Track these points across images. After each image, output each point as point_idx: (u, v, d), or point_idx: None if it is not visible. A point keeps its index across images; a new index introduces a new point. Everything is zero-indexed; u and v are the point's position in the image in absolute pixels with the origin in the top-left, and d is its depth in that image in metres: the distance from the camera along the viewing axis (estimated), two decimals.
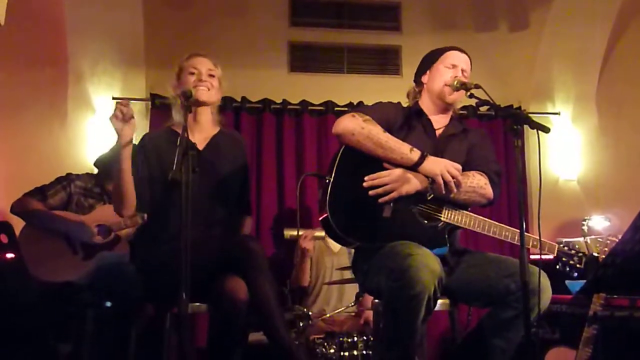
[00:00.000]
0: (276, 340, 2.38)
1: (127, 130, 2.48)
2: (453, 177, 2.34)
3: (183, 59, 2.83)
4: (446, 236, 2.43)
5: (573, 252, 2.48)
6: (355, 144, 2.42)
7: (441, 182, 2.33)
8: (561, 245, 2.48)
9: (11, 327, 2.32)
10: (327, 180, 2.41)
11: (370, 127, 2.41)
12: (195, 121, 2.79)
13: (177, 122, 2.78)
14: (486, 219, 2.45)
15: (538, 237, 2.33)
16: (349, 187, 2.41)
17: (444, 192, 2.35)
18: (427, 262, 2.11)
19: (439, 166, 2.35)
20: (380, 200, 2.36)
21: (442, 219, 2.43)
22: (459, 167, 2.39)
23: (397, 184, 2.36)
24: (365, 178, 2.39)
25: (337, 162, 2.44)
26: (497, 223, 2.45)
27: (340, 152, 2.46)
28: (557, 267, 2.48)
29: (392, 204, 2.38)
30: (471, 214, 2.45)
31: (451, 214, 2.43)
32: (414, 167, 2.38)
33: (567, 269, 2.48)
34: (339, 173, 2.42)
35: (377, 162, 2.43)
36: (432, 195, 2.40)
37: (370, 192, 2.37)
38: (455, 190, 2.36)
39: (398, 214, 2.39)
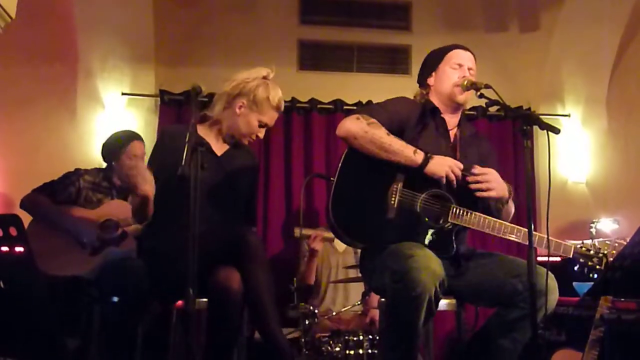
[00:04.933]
0: (265, 333, 2.39)
1: (150, 187, 2.52)
2: (456, 176, 2.36)
3: (266, 94, 2.77)
4: (453, 238, 2.39)
5: (592, 252, 2.39)
6: (358, 147, 2.43)
7: (445, 181, 2.36)
8: (578, 246, 2.41)
9: (19, 320, 2.33)
10: (332, 181, 2.43)
11: (373, 130, 2.41)
12: (218, 131, 2.81)
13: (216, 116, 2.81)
14: (496, 219, 2.42)
15: (553, 239, 2.32)
16: (353, 189, 2.42)
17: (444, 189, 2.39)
18: (428, 264, 2.11)
19: (443, 167, 2.36)
20: (478, 194, 2.38)
21: (449, 219, 2.40)
22: (461, 165, 2.39)
23: (495, 184, 2.39)
24: (474, 171, 2.41)
25: (341, 163, 2.45)
26: (507, 223, 2.41)
27: (345, 153, 2.47)
28: (576, 268, 2.42)
29: (395, 205, 2.37)
30: (480, 214, 2.41)
31: (459, 214, 2.40)
32: (419, 169, 2.38)
33: (586, 270, 2.39)
34: (343, 174, 2.43)
35: (381, 164, 2.42)
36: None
37: (472, 186, 2.39)
38: (455, 185, 2.37)
39: (402, 215, 2.39)
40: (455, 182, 2.37)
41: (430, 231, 2.39)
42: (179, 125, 3.06)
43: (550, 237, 2.32)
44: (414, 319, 2.14)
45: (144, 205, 2.56)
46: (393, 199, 2.38)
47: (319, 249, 3.89)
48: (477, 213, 2.41)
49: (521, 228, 2.40)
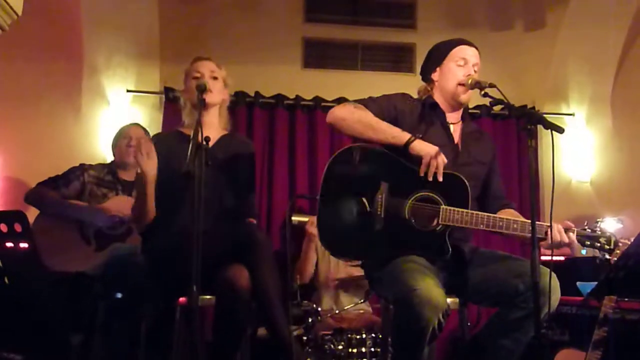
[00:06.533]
0: (273, 329, 2.40)
1: (151, 165, 2.54)
2: (437, 165, 2.31)
3: (189, 64, 2.90)
4: (447, 239, 2.33)
5: (598, 233, 2.33)
6: (347, 129, 2.44)
7: (427, 161, 2.30)
8: (580, 229, 2.34)
9: (24, 316, 2.34)
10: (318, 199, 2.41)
11: (360, 112, 2.43)
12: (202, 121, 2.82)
13: (187, 124, 2.85)
14: (489, 214, 2.34)
15: (550, 224, 2.25)
16: (337, 205, 2.37)
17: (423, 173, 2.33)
18: (430, 297, 2.07)
19: (429, 148, 2.32)
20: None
21: (439, 221, 2.33)
22: (446, 160, 2.34)
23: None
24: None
25: (322, 181, 2.40)
26: (501, 217, 2.34)
27: (325, 170, 2.42)
28: (584, 252, 2.38)
29: (382, 215, 2.33)
30: (472, 211, 2.33)
31: (450, 214, 2.32)
32: (405, 147, 2.35)
33: (594, 250, 2.33)
34: (326, 192, 2.39)
35: (362, 177, 2.37)
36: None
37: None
38: (430, 178, 2.31)
39: (391, 224, 2.33)
40: (432, 169, 2.30)
41: (422, 237, 2.33)
42: (167, 131, 3.10)
43: (546, 224, 2.27)
44: (418, 347, 2.16)
45: (142, 189, 2.56)
46: (379, 209, 2.34)
47: (316, 233, 3.90)
48: (468, 211, 2.33)
49: (517, 220, 2.33)
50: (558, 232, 2.27)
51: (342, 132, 2.47)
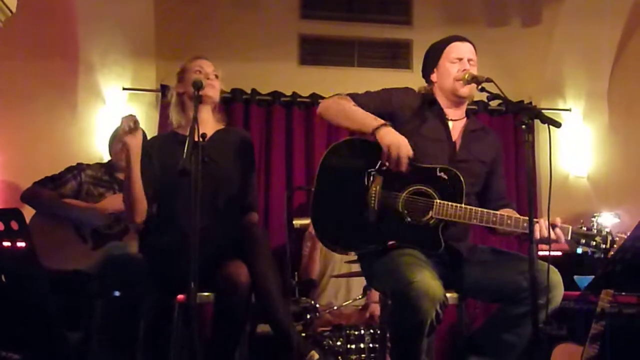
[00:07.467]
0: (274, 323, 2.39)
1: (135, 140, 2.54)
2: (399, 158, 2.29)
3: (187, 61, 2.93)
4: (440, 233, 2.32)
5: (594, 231, 2.30)
6: (330, 119, 2.50)
7: (386, 152, 2.29)
8: (576, 227, 2.31)
9: (21, 315, 2.34)
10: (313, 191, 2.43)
11: (343, 102, 2.47)
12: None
13: (181, 124, 2.87)
14: (483, 209, 2.33)
15: (548, 220, 2.23)
16: (332, 197, 2.41)
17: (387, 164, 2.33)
18: (428, 289, 2.06)
19: (391, 140, 2.29)
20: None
21: (433, 215, 2.33)
22: (410, 154, 2.31)
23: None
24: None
25: (317, 172, 2.44)
26: (495, 212, 2.32)
27: (320, 162, 2.45)
28: (579, 251, 2.35)
29: (376, 207, 2.35)
30: (466, 206, 2.32)
31: (442, 208, 2.31)
32: (372, 133, 2.33)
33: (590, 250, 2.30)
34: (320, 184, 2.42)
35: (356, 169, 2.39)
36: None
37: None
38: (402, 169, 2.30)
39: (384, 216, 2.35)
40: (393, 162, 2.29)
41: (415, 230, 2.33)
42: (162, 134, 3.11)
43: (536, 220, 2.25)
44: (416, 340, 2.16)
45: (128, 164, 2.55)
46: (372, 201, 2.35)
47: None
48: (462, 205, 2.32)
49: (511, 215, 2.32)
50: (545, 228, 2.26)
51: (328, 120, 2.52)
